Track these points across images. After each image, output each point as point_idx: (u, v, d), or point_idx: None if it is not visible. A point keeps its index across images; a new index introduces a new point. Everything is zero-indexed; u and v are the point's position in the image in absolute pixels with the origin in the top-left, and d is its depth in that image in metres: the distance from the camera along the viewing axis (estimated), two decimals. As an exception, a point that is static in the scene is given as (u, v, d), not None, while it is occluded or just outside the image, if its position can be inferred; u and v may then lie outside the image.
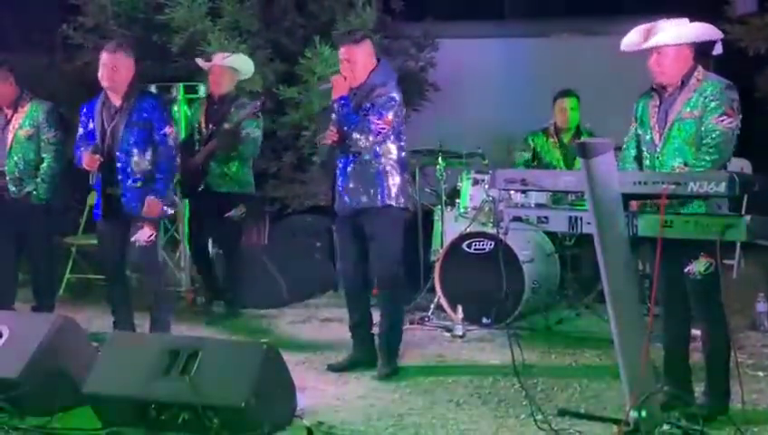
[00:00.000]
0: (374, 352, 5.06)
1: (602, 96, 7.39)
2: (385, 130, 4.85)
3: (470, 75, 8.25)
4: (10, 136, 5.80)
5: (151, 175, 5.29)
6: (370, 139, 4.83)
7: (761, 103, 6.77)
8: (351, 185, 4.92)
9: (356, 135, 4.82)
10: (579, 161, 3.65)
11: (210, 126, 6.31)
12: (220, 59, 6.39)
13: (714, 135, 3.97)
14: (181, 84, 6.89)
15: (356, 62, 4.90)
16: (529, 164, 6.77)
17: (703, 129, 4.01)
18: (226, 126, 6.20)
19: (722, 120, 3.98)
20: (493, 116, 8.20)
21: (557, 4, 8.90)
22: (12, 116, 5.83)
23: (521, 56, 8.47)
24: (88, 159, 5.25)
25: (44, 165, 5.82)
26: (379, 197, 4.90)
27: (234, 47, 6.81)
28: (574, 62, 8.04)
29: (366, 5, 7.25)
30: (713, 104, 4.00)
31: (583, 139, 6.26)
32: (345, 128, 4.84)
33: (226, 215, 6.28)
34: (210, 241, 6.66)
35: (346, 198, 4.94)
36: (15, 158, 5.80)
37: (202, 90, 6.98)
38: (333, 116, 4.92)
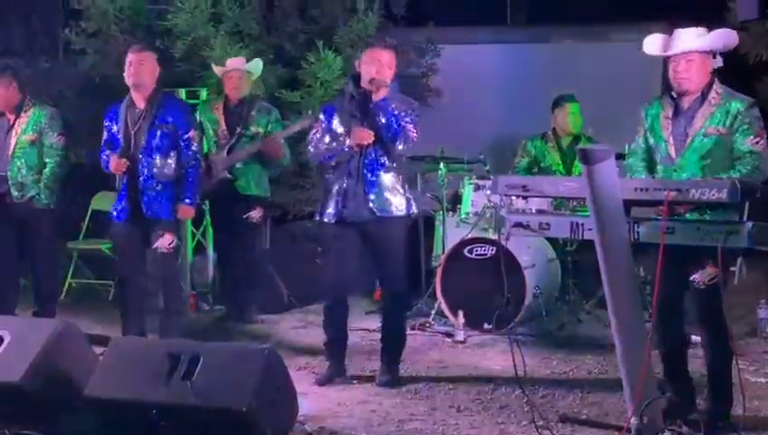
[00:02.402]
0: (343, 366, 5.04)
1: (603, 102, 7.40)
2: (415, 141, 4.86)
3: (472, 81, 8.26)
4: (13, 141, 5.81)
5: (174, 180, 5.31)
6: (408, 146, 4.83)
7: (761, 111, 6.77)
8: (381, 193, 4.82)
9: (398, 141, 4.78)
10: (578, 166, 3.65)
11: (239, 129, 6.35)
12: (238, 63, 6.45)
13: (749, 157, 3.96)
14: (183, 89, 6.91)
15: (391, 70, 4.86)
16: (529, 170, 6.77)
17: (735, 149, 3.99)
18: (275, 134, 6.28)
19: (757, 142, 3.98)
20: (494, 122, 8.21)
21: (559, 11, 8.91)
22: (15, 121, 5.83)
23: (523, 62, 8.48)
24: (115, 164, 5.29)
25: (47, 170, 5.83)
26: (405, 206, 4.90)
27: (236, 52, 6.83)
28: (576, 68, 8.04)
29: (368, 11, 7.27)
30: (744, 126, 3.99)
31: (585, 145, 6.27)
32: (390, 131, 4.76)
33: (245, 216, 6.33)
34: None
35: (373, 207, 4.81)
36: (18, 163, 5.80)
37: (204, 95, 7.01)
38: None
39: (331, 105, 5.08)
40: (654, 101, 4.23)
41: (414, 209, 4.99)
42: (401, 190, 4.91)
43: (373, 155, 4.84)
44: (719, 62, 4.07)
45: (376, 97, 4.79)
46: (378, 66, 4.80)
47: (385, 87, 4.80)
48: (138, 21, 7.44)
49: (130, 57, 5.31)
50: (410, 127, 4.81)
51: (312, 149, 4.98)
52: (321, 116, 4.99)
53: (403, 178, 4.95)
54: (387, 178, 4.86)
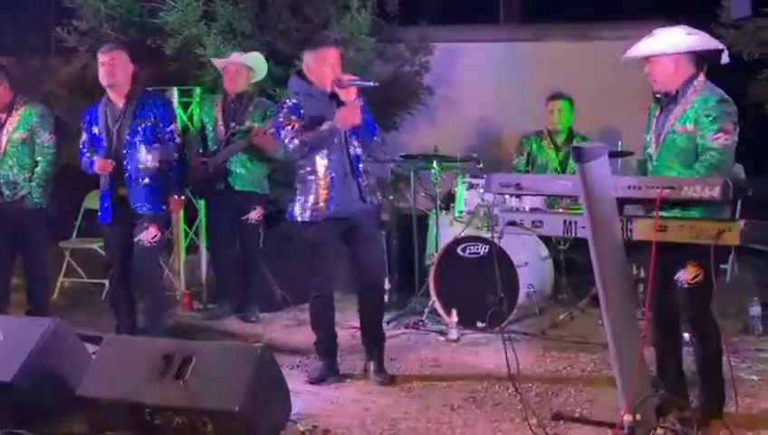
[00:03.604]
0: (336, 364, 5.06)
1: (597, 101, 7.41)
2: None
3: (465, 79, 8.26)
4: (4, 140, 5.79)
5: (159, 173, 5.33)
6: (378, 136, 4.98)
7: (753, 108, 6.79)
8: (367, 183, 4.91)
9: (376, 136, 4.95)
10: (573, 164, 3.64)
11: (232, 125, 6.34)
12: (236, 57, 6.44)
13: (711, 153, 3.91)
14: (176, 88, 6.89)
15: (340, 66, 4.86)
16: (527, 168, 6.79)
17: (699, 144, 3.96)
18: (261, 127, 6.22)
19: (718, 138, 3.92)
20: (487, 120, 8.21)
21: (552, 9, 8.92)
22: (6, 120, 5.81)
23: (515, 60, 8.48)
24: (101, 164, 5.32)
25: (38, 169, 5.81)
26: (379, 194, 5.05)
27: (229, 51, 6.82)
28: (569, 66, 8.05)
29: (361, 9, 7.26)
30: (707, 120, 3.94)
31: (578, 143, 6.28)
32: (368, 127, 4.82)
33: (244, 217, 6.31)
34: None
35: (364, 195, 4.88)
36: (10, 161, 5.78)
37: (197, 93, 6.99)
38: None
39: (294, 104, 4.83)
40: (654, 100, 4.24)
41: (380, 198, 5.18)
42: (374, 180, 5.04)
43: (354, 148, 4.87)
44: (725, 58, 4.04)
45: (349, 96, 4.72)
46: (330, 66, 4.76)
47: (358, 86, 4.75)
48: (129, 19, 7.41)
49: (100, 58, 5.35)
50: (368, 119, 4.88)
51: (296, 142, 4.72)
52: (291, 115, 4.79)
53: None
54: (366, 169, 4.95)
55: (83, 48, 7.39)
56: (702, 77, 4.07)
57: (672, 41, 4.04)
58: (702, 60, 4.07)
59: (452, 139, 7.10)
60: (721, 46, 4.08)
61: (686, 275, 3.99)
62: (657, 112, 4.17)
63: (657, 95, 4.16)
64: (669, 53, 4.03)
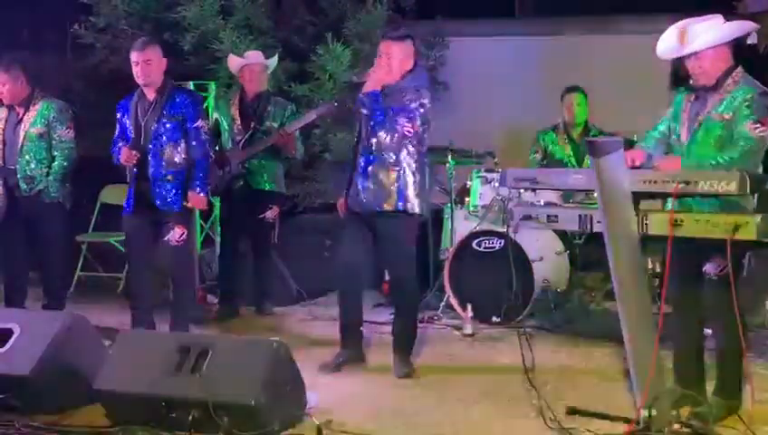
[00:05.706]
0: (362, 351, 5.08)
1: (614, 94, 7.38)
2: (410, 135, 4.81)
3: (480, 74, 8.24)
4: (21, 134, 5.82)
5: (184, 170, 5.33)
6: (395, 139, 4.79)
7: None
8: (371, 186, 4.84)
9: (381, 133, 4.79)
10: (588, 159, 3.64)
11: (253, 124, 6.32)
12: (257, 57, 6.43)
13: (743, 141, 3.90)
14: (191, 82, 6.91)
15: (393, 59, 4.85)
16: (542, 163, 6.77)
17: (735, 132, 3.94)
18: (289, 127, 6.22)
19: (755, 128, 3.91)
20: (503, 114, 8.19)
21: (568, 2, 8.88)
22: (23, 115, 5.84)
23: (531, 55, 8.46)
24: (126, 155, 5.33)
25: (56, 163, 5.84)
26: (398, 202, 4.83)
27: (245, 46, 6.83)
28: (586, 60, 8.02)
29: (376, 3, 7.26)
30: (747, 110, 3.93)
31: (593, 137, 6.26)
32: (372, 124, 4.80)
33: (260, 216, 6.31)
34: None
35: (363, 198, 4.85)
36: (27, 156, 5.82)
37: (213, 88, 7.00)
38: (362, 111, 4.85)
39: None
40: (687, 85, 4.19)
41: (415, 209, 4.88)
42: (400, 186, 4.83)
43: (366, 147, 4.86)
44: (752, 38, 4.03)
45: (363, 90, 4.82)
46: (379, 60, 4.83)
47: (374, 81, 4.79)
48: (146, 15, 7.43)
49: (135, 57, 5.31)
50: (402, 120, 4.78)
51: None
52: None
53: (406, 175, 4.85)
54: (380, 171, 4.84)
55: (100, 44, 7.42)
56: (740, 69, 4.05)
57: (715, 34, 4.00)
58: (737, 49, 4.05)
59: (467, 133, 7.09)
60: (754, 26, 4.05)
61: (712, 268, 3.96)
62: (692, 98, 4.13)
63: (693, 85, 4.11)
64: (717, 44, 3.99)
